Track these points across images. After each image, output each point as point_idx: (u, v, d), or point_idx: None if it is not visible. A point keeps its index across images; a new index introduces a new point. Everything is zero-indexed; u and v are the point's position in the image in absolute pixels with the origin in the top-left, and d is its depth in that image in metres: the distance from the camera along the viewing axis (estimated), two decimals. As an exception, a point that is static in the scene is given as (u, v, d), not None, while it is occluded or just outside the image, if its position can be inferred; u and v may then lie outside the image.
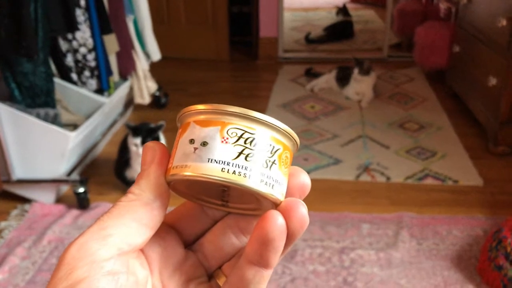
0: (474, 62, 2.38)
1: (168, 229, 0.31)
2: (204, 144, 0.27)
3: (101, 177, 1.97)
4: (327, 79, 2.84)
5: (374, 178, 1.96)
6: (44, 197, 1.79)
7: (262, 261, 0.27)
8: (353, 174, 1.99)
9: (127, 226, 0.27)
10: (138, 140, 1.71)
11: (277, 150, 0.28)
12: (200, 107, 0.28)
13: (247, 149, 0.27)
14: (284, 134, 0.28)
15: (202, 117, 0.28)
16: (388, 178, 1.96)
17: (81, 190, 1.72)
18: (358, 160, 2.09)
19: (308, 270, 1.46)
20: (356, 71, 2.65)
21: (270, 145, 0.27)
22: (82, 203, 1.74)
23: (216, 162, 0.26)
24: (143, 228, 0.27)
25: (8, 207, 1.78)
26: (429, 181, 1.94)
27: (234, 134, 0.27)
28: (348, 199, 1.83)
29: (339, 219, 1.69)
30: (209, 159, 0.27)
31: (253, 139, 0.27)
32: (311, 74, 3.01)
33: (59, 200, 1.82)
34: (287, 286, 1.40)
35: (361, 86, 2.68)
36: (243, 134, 0.27)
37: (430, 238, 1.59)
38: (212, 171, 0.26)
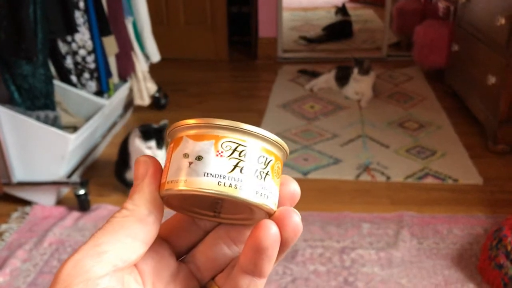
0: (473, 61, 2.38)
1: (160, 242, 0.31)
2: (199, 158, 0.27)
3: (102, 178, 1.97)
4: (327, 79, 2.85)
5: (374, 178, 1.96)
6: (45, 200, 1.79)
7: (256, 270, 0.27)
8: (353, 173, 1.99)
9: (122, 242, 0.27)
10: (152, 143, 1.74)
11: (269, 161, 0.28)
12: (192, 121, 0.28)
13: (242, 161, 0.27)
14: (276, 145, 0.28)
15: (194, 131, 0.28)
16: (388, 178, 1.96)
17: (82, 192, 1.72)
18: (358, 159, 2.09)
19: (309, 270, 1.46)
20: (355, 70, 2.65)
21: (263, 156, 0.28)
22: (82, 205, 1.74)
23: (212, 176, 0.27)
24: (137, 244, 0.27)
25: (9, 209, 1.78)
26: (429, 180, 1.94)
27: (229, 148, 0.27)
28: (348, 198, 1.83)
29: (339, 219, 1.69)
30: (205, 173, 0.27)
31: (247, 151, 0.27)
32: (311, 73, 3.01)
33: (59, 202, 1.83)
34: (288, 287, 1.40)
35: (360, 85, 2.68)
36: (237, 147, 0.27)
37: (430, 237, 1.59)
38: (209, 184, 0.27)
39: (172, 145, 0.29)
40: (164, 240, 0.31)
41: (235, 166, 0.27)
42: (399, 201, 1.81)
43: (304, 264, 1.48)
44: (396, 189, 1.89)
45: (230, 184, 0.27)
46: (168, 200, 0.29)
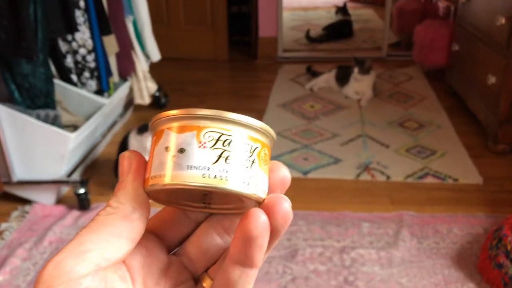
0: (473, 61, 2.38)
1: (149, 236, 0.30)
2: (182, 151, 0.26)
3: (102, 177, 1.97)
4: (327, 79, 2.85)
5: (374, 177, 1.96)
6: (45, 198, 1.79)
7: (247, 260, 0.26)
8: (353, 173, 1.99)
9: (106, 241, 0.26)
10: None
11: (255, 149, 0.27)
12: (173, 112, 0.27)
13: (226, 151, 0.26)
14: (260, 132, 0.28)
15: (176, 123, 0.27)
16: (388, 177, 1.96)
17: (82, 191, 1.72)
18: (358, 159, 2.09)
19: (309, 270, 1.46)
20: (356, 70, 2.65)
21: (248, 144, 0.27)
22: (82, 204, 1.74)
23: (196, 168, 0.26)
24: (122, 242, 0.27)
25: (9, 208, 1.78)
26: (429, 179, 1.94)
27: (211, 138, 0.27)
28: (348, 198, 1.83)
29: (340, 218, 1.69)
30: (188, 166, 0.26)
31: (231, 140, 0.27)
32: (312, 72, 3.01)
33: (59, 201, 1.83)
34: (288, 286, 1.40)
35: (360, 85, 2.68)
36: (220, 136, 0.27)
37: (430, 236, 1.59)
38: (193, 178, 0.26)
39: (154, 138, 0.28)
40: (154, 234, 0.31)
41: (220, 156, 0.26)
42: (399, 200, 1.81)
43: (304, 264, 1.48)
44: (396, 188, 1.89)
45: (215, 175, 0.26)
46: (154, 195, 0.28)
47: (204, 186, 0.26)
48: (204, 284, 0.30)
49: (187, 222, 0.32)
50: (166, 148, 0.27)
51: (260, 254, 0.26)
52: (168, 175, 0.26)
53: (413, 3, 3.51)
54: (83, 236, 0.26)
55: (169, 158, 0.27)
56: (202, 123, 0.27)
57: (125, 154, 0.29)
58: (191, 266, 0.31)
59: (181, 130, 0.27)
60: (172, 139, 0.27)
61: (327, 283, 1.41)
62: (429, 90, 2.82)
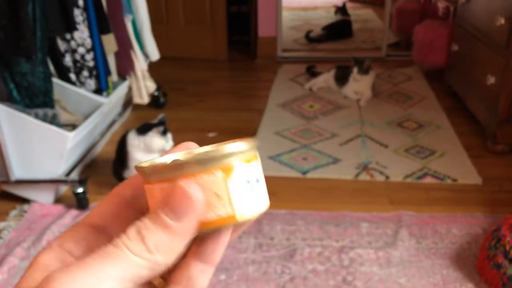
0: (472, 61, 2.38)
1: (99, 236, 0.29)
2: (258, 181, 0.27)
3: (100, 177, 1.97)
4: (326, 78, 2.85)
5: (373, 177, 1.96)
6: (43, 198, 1.79)
7: (210, 256, 0.28)
8: (352, 173, 1.99)
9: (124, 286, 0.24)
10: (169, 136, 1.80)
11: None
12: (242, 144, 0.27)
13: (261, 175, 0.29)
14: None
15: (246, 155, 0.27)
16: (387, 177, 1.96)
17: (80, 190, 1.71)
18: (357, 159, 2.09)
19: (307, 269, 1.46)
20: (355, 70, 2.65)
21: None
22: (81, 203, 1.73)
23: (265, 196, 0.28)
24: (136, 287, 0.25)
25: (7, 207, 1.77)
26: (428, 180, 1.94)
27: (259, 166, 0.28)
28: (347, 198, 1.83)
29: (338, 218, 1.69)
30: (264, 194, 0.28)
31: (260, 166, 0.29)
32: (311, 72, 3.01)
33: (58, 200, 1.82)
34: (286, 286, 1.40)
35: (360, 85, 2.68)
36: (258, 165, 0.28)
37: (429, 236, 1.59)
38: (262, 205, 0.28)
39: (222, 174, 0.26)
40: (103, 231, 0.29)
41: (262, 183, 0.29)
42: (398, 200, 1.81)
43: (302, 263, 1.48)
44: (395, 188, 1.89)
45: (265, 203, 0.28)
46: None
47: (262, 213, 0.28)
48: (155, 283, 0.29)
49: (131, 213, 0.30)
50: (248, 181, 0.27)
51: (222, 251, 0.28)
52: (254, 206, 0.27)
53: (412, 3, 3.51)
54: (105, 269, 0.24)
55: (250, 189, 0.27)
56: (254, 152, 0.28)
57: (188, 190, 0.25)
58: None
59: (249, 160, 0.27)
60: (247, 171, 0.27)
61: (326, 283, 1.40)
62: (428, 90, 2.82)
